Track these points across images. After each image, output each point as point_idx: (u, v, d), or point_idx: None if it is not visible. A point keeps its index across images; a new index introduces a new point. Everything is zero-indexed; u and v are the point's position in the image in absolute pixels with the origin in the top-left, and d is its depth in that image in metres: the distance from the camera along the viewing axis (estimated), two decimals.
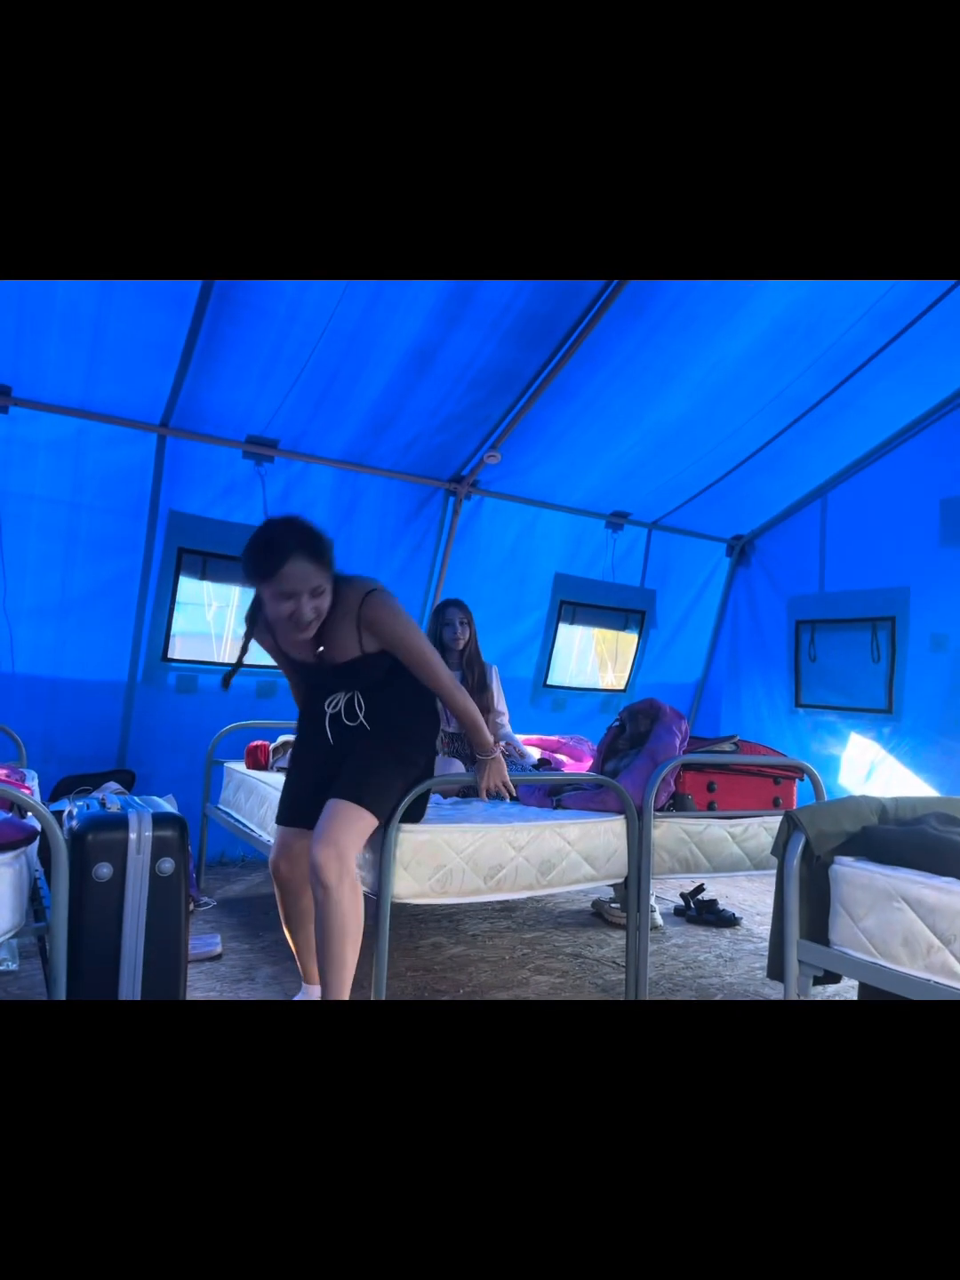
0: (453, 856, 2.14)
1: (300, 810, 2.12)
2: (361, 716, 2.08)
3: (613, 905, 3.31)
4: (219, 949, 2.68)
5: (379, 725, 2.09)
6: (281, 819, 2.17)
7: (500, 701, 3.42)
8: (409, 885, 2.07)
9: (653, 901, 3.14)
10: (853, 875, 1.83)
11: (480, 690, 3.31)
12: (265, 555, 1.83)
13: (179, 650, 3.86)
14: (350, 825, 1.91)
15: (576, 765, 3.45)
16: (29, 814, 1.75)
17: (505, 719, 3.45)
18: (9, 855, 1.55)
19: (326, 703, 2.12)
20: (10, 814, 1.76)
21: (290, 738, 3.46)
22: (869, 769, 4.28)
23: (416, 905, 2.16)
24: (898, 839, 1.82)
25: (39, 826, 1.67)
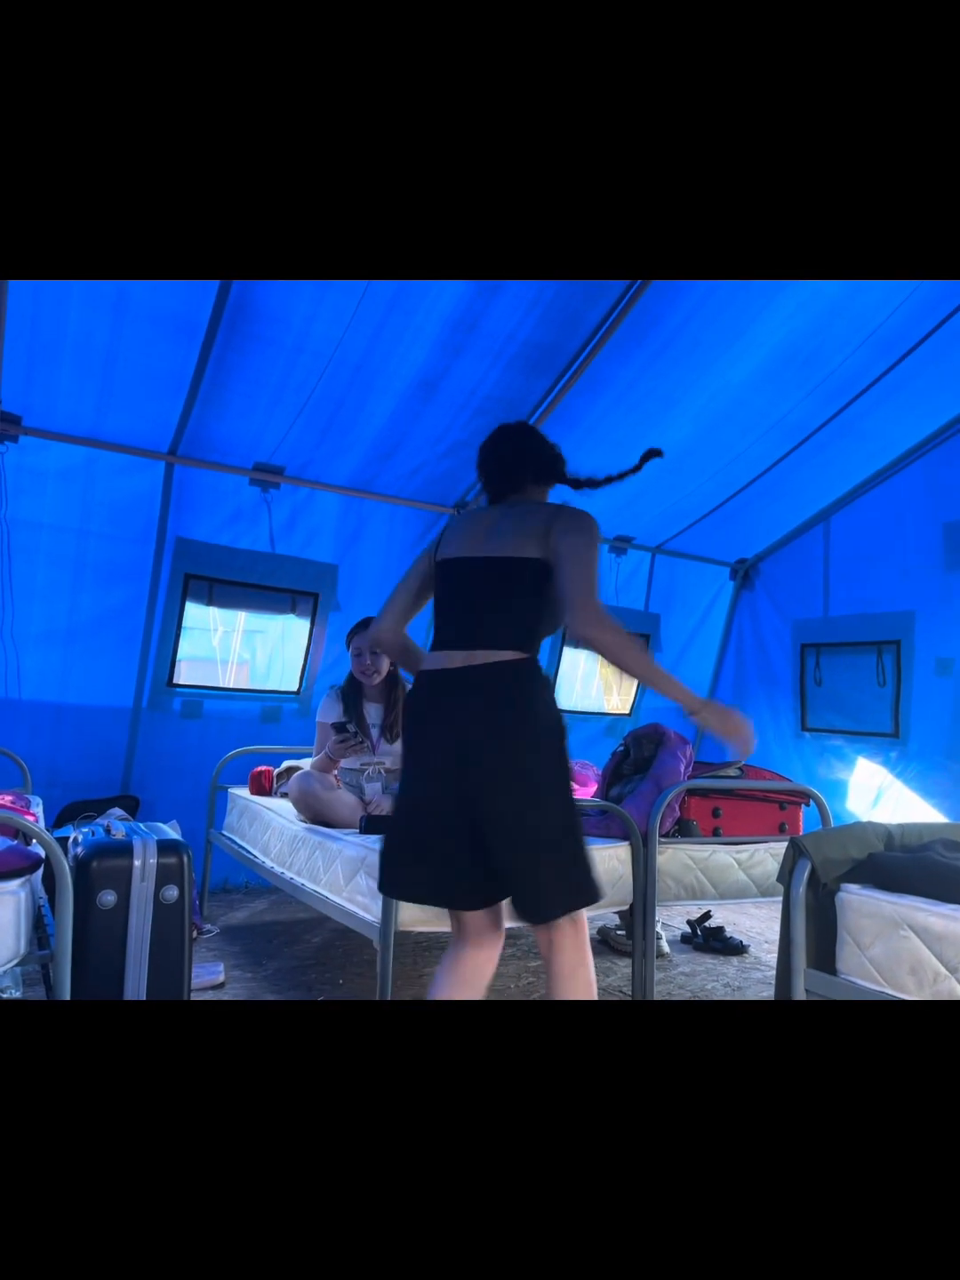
0: None
1: None
2: None
3: (618, 932, 3.28)
4: (222, 978, 2.66)
5: None
6: None
7: None
8: (412, 913, 2.06)
9: (659, 928, 3.11)
10: (859, 903, 1.82)
11: None
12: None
13: (184, 675, 3.88)
14: None
15: (581, 790, 3.44)
16: (34, 841, 1.76)
17: None
18: (14, 883, 1.55)
19: None
20: (15, 841, 1.76)
21: (294, 763, 3.47)
22: (876, 794, 4.25)
23: (420, 933, 2.15)
24: (904, 866, 1.81)
25: (43, 854, 1.67)
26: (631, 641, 1.52)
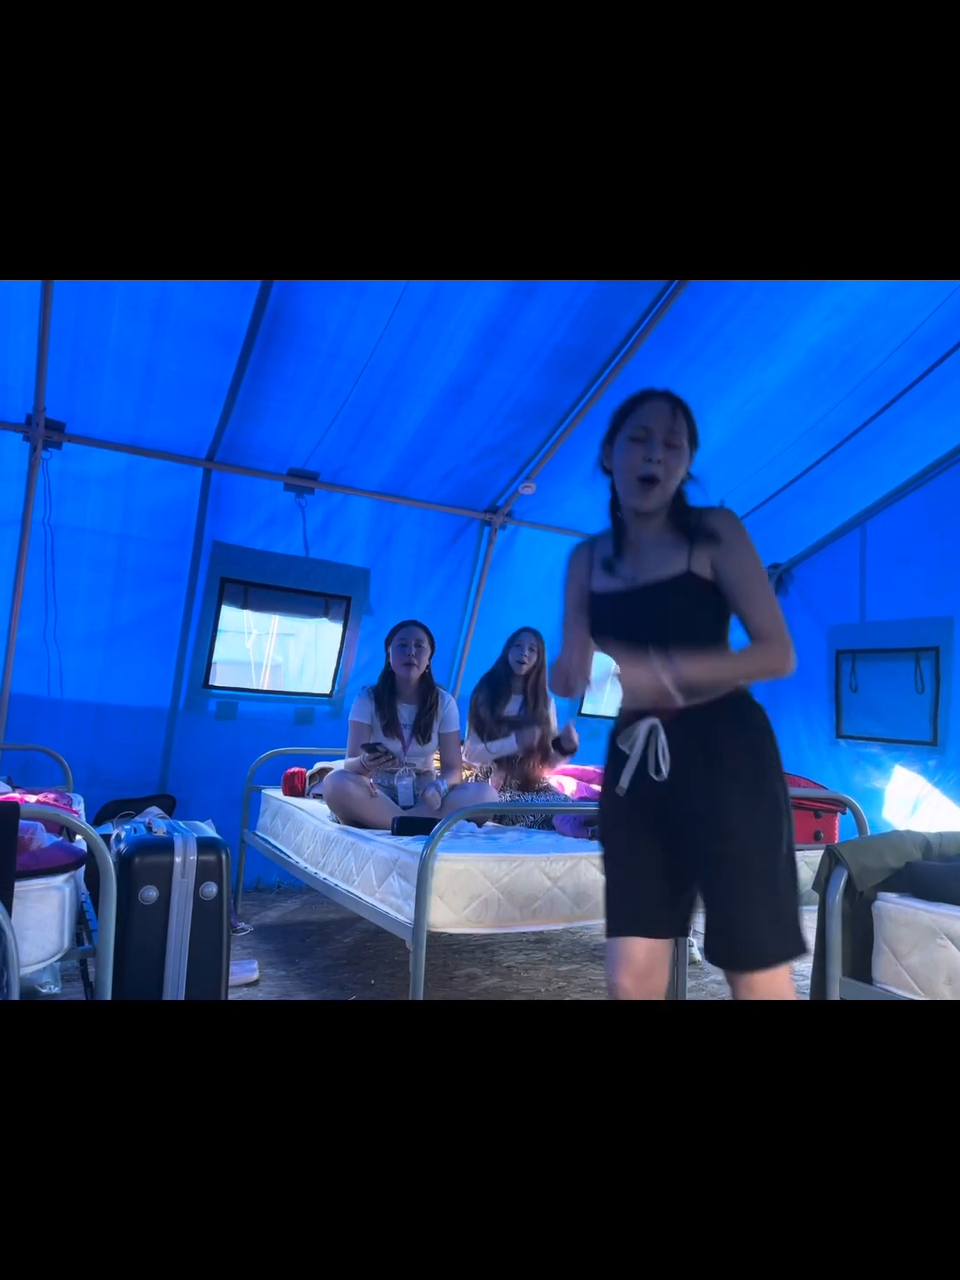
0: (488, 886, 2.14)
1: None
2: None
3: None
4: (256, 975, 2.70)
5: None
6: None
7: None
8: (444, 914, 2.08)
9: (691, 936, 3.09)
10: (896, 912, 1.79)
11: (543, 720, 3.31)
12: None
13: (220, 677, 3.94)
14: None
15: None
16: (78, 837, 1.80)
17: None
18: (60, 878, 1.59)
19: None
20: (59, 837, 1.81)
21: (326, 765, 3.51)
22: (914, 803, 4.18)
23: (451, 935, 2.16)
24: (943, 875, 1.79)
25: (87, 849, 1.71)
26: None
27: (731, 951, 1.37)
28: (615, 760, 1.48)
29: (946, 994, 1.66)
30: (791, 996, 1.39)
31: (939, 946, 1.68)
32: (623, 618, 1.47)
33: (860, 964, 1.86)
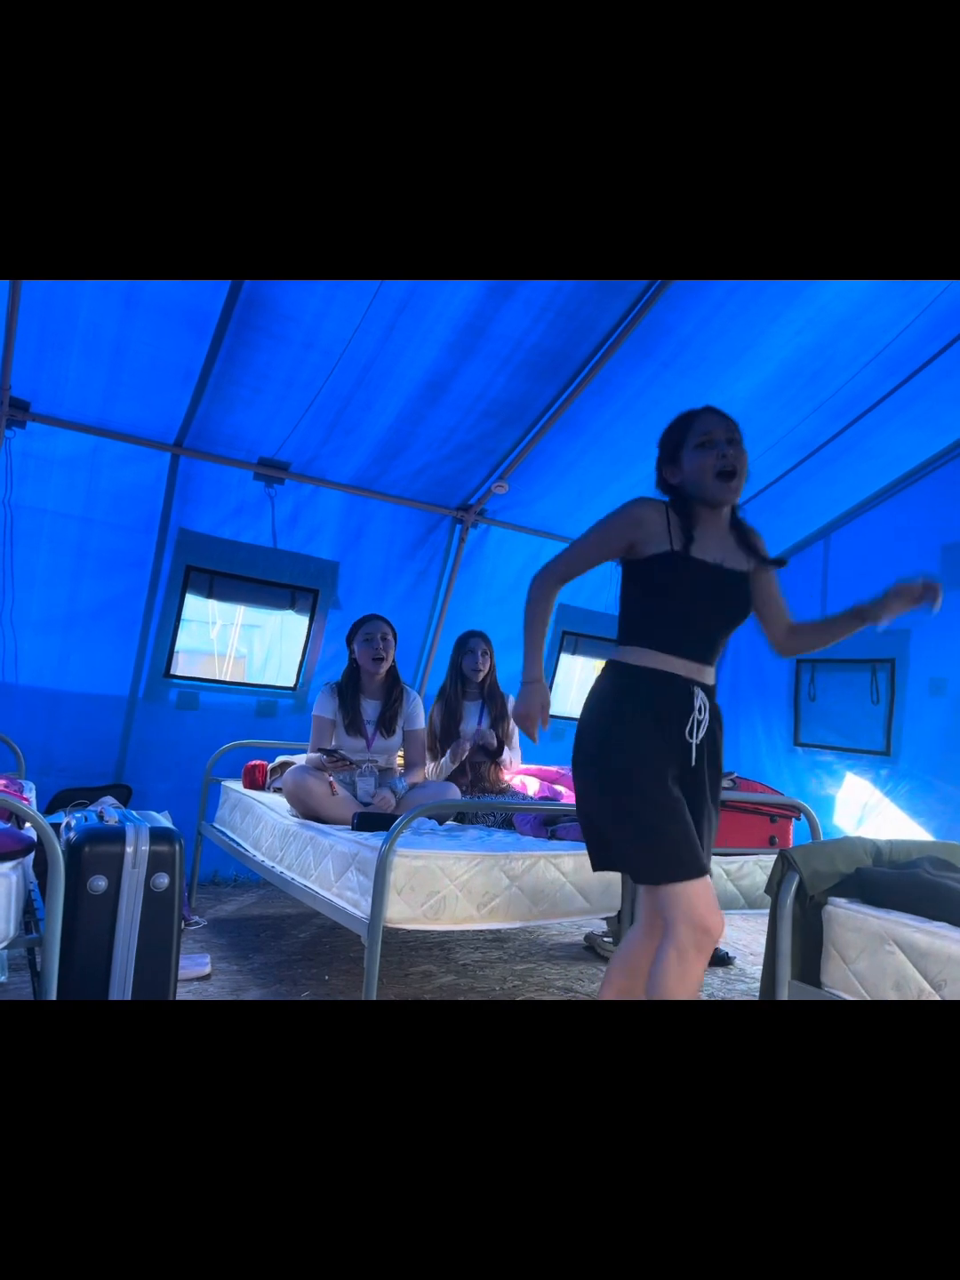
0: (446, 883, 2.13)
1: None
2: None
3: (605, 939, 3.28)
4: (208, 969, 2.66)
5: None
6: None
7: (516, 739, 3.43)
8: (401, 910, 2.07)
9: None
10: (845, 917, 1.83)
11: (499, 720, 3.33)
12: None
13: (182, 667, 3.88)
14: None
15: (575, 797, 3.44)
16: (27, 824, 1.76)
17: (516, 758, 3.45)
18: (6, 865, 1.56)
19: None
20: (8, 824, 1.77)
21: (288, 759, 3.47)
22: (866, 811, 4.26)
23: (408, 931, 2.15)
24: (891, 882, 1.83)
25: (36, 837, 1.68)
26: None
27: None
28: (654, 717, 1.60)
29: (892, 998, 1.69)
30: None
31: (887, 952, 1.71)
32: (713, 590, 1.66)
33: (810, 967, 1.89)
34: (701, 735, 1.63)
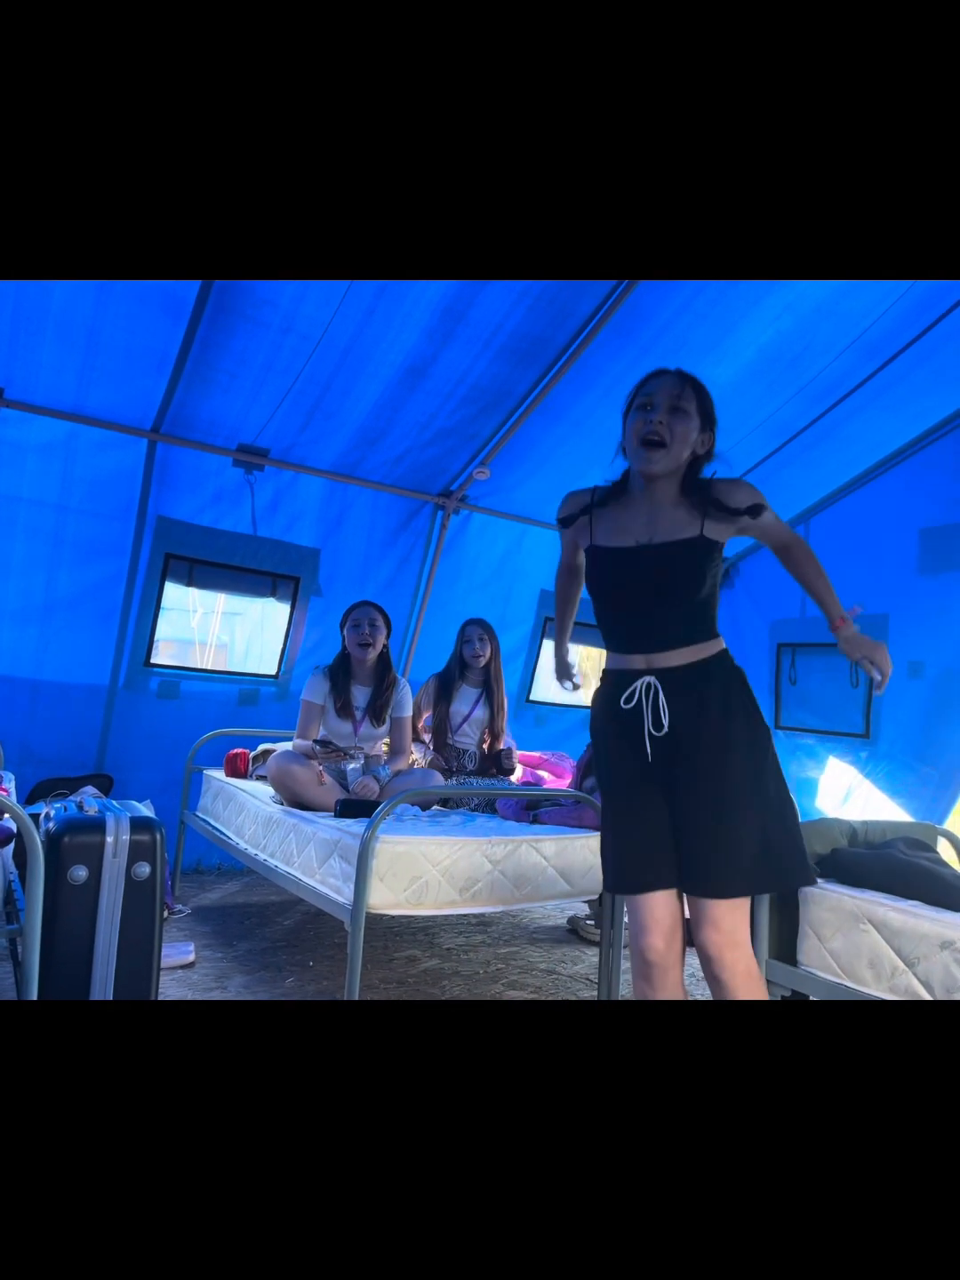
0: (429, 868, 2.14)
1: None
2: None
3: (588, 922, 3.32)
4: (192, 957, 2.66)
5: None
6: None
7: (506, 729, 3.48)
8: (384, 896, 2.08)
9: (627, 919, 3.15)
10: (821, 897, 1.85)
11: (499, 712, 3.36)
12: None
13: (162, 655, 3.86)
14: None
15: (558, 781, 3.47)
16: (5, 815, 1.75)
17: (512, 743, 3.49)
18: None
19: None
20: None
21: (270, 747, 3.47)
22: (846, 792, 4.32)
23: (391, 916, 2.16)
24: (866, 862, 1.86)
25: (15, 828, 1.67)
26: None
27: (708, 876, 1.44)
28: (611, 719, 1.53)
29: (867, 976, 1.72)
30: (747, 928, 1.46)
31: (862, 931, 1.74)
32: (635, 574, 1.52)
33: (786, 947, 1.92)
34: (669, 721, 1.46)
